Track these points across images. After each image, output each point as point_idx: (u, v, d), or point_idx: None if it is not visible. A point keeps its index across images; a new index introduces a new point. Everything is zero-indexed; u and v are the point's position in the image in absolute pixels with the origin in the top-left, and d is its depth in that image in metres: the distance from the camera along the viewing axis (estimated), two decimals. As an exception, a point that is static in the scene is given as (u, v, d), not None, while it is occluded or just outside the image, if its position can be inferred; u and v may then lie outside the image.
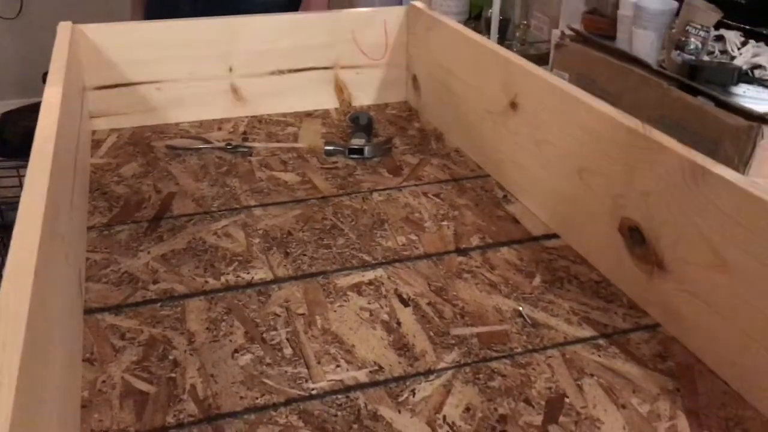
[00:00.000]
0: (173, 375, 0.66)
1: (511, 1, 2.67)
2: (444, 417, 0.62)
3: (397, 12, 1.29)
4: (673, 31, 1.55)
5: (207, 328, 0.73)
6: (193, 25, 1.21)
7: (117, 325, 0.73)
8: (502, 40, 2.54)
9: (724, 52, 1.57)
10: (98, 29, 1.15)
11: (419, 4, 1.27)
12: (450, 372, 0.67)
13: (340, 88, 1.30)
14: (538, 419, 0.62)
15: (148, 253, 0.86)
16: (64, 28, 1.11)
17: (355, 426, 0.61)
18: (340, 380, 0.66)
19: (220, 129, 1.21)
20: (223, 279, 0.81)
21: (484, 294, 0.79)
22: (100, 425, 0.61)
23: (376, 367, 0.68)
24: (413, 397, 0.64)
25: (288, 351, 0.70)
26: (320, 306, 0.76)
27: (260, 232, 0.90)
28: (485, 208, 0.97)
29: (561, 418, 0.62)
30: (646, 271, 0.75)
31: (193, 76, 1.21)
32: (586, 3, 1.89)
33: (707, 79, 1.45)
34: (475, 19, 2.83)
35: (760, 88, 1.43)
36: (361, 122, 1.19)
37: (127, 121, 1.21)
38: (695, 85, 1.43)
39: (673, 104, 1.41)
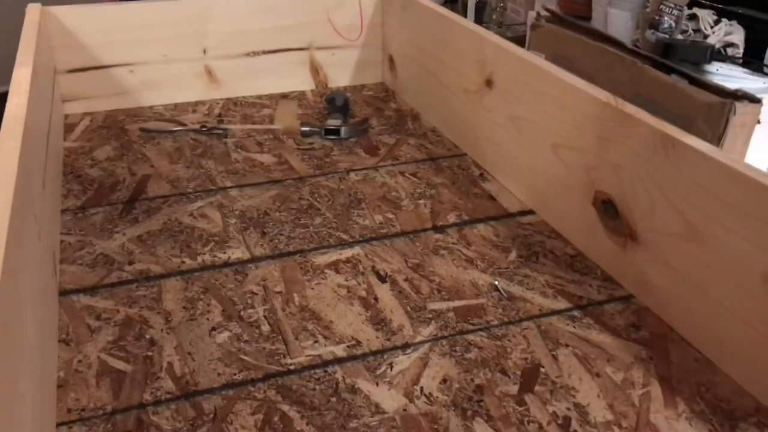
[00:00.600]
0: (150, 354, 0.66)
1: (488, -17, 2.68)
2: (421, 388, 0.62)
3: (371, -8, 1.28)
4: (647, 10, 1.56)
5: (184, 308, 0.73)
6: (166, 6, 1.19)
7: (92, 306, 0.73)
8: (479, 22, 2.54)
9: (697, 30, 1.58)
10: (68, 11, 1.13)
11: (394, -16, 1.26)
12: (427, 345, 0.68)
13: (315, 70, 1.29)
14: (514, 389, 0.62)
15: (124, 234, 0.85)
16: (33, 10, 1.10)
17: (333, 399, 0.61)
18: (318, 355, 0.66)
19: (194, 111, 1.20)
20: (199, 259, 0.80)
21: (461, 269, 0.79)
22: (77, 404, 0.60)
23: (354, 342, 0.68)
24: (391, 370, 0.64)
25: (266, 328, 0.70)
26: (298, 284, 0.76)
27: (236, 212, 0.90)
28: (462, 186, 0.97)
29: (536, 388, 0.63)
30: (619, 243, 0.76)
31: (166, 58, 1.20)
32: (562, -16, 1.90)
33: (681, 58, 1.47)
34: (452, 2, 2.82)
35: (733, 66, 1.45)
36: (337, 103, 1.19)
37: (100, 105, 1.19)
38: (669, 64, 1.45)
39: (648, 82, 1.42)
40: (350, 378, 0.64)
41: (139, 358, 0.66)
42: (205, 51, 1.22)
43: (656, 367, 0.65)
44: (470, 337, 0.69)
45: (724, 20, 1.62)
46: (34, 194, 0.68)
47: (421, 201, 0.93)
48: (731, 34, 1.54)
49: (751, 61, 1.65)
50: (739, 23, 1.66)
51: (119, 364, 0.65)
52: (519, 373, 0.64)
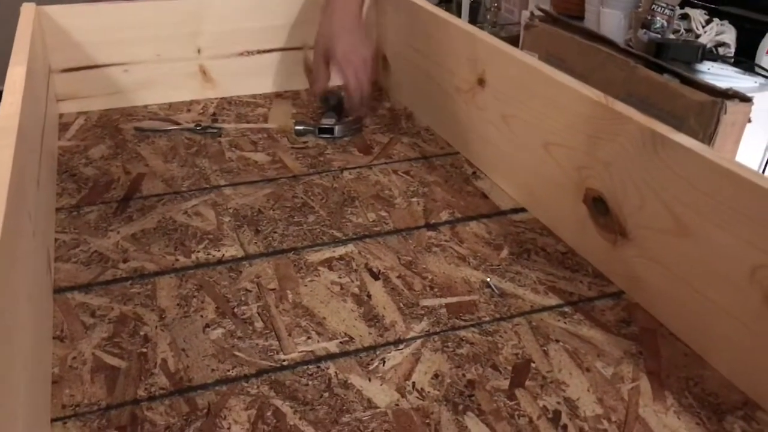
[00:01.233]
0: (144, 350, 0.67)
1: (482, -17, 2.68)
2: (413, 384, 0.63)
3: (365, -8, 1.29)
4: (640, 10, 1.57)
5: (178, 305, 0.73)
6: (160, 5, 1.19)
7: (87, 303, 0.73)
8: (473, 22, 2.55)
9: (689, 30, 1.59)
10: (63, 11, 1.14)
11: (387, -16, 1.27)
12: (419, 341, 0.68)
13: (309, 69, 1.30)
14: (505, 383, 0.63)
15: (118, 233, 0.85)
16: (27, 10, 1.10)
17: (326, 394, 0.62)
18: (311, 351, 0.67)
19: (189, 111, 1.21)
20: (193, 257, 0.81)
21: (453, 266, 0.80)
22: (72, 400, 0.61)
23: (347, 338, 0.69)
24: (383, 365, 0.65)
25: (259, 324, 0.70)
26: (291, 281, 0.77)
27: (230, 210, 0.90)
28: (455, 184, 0.98)
29: (527, 382, 0.63)
30: (610, 240, 0.76)
31: (160, 57, 1.21)
32: (555, -16, 1.91)
33: (673, 57, 1.48)
34: (447, 2, 2.83)
35: (724, 65, 1.46)
36: (331, 102, 1.19)
37: (94, 104, 1.20)
38: (661, 63, 1.46)
39: (640, 82, 1.43)
40: (343, 373, 0.64)
41: (133, 355, 0.66)
42: (199, 50, 1.22)
43: (645, 361, 0.66)
44: (462, 333, 0.69)
45: (716, 20, 1.63)
46: (29, 193, 0.69)
47: (414, 199, 0.94)
48: (723, 33, 1.55)
49: (742, 61, 1.66)
50: (730, 23, 1.67)
51: (114, 361, 0.65)
52: (510, 368, 0.65)
